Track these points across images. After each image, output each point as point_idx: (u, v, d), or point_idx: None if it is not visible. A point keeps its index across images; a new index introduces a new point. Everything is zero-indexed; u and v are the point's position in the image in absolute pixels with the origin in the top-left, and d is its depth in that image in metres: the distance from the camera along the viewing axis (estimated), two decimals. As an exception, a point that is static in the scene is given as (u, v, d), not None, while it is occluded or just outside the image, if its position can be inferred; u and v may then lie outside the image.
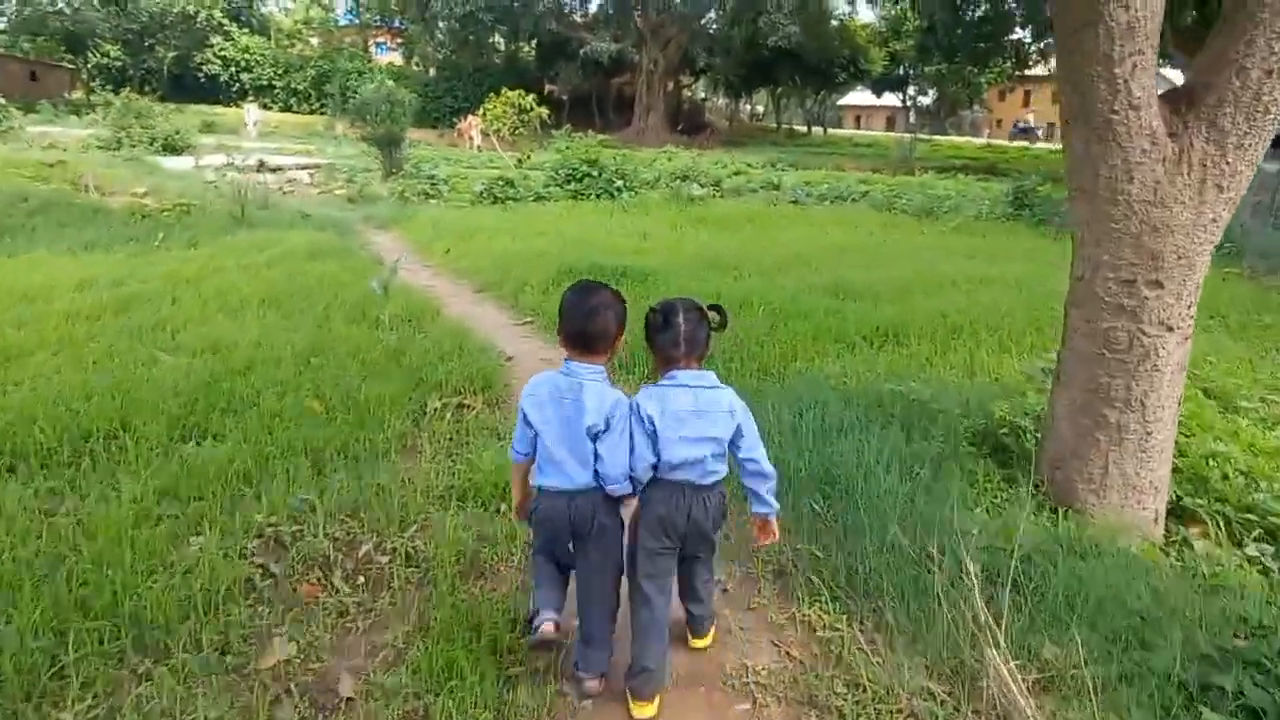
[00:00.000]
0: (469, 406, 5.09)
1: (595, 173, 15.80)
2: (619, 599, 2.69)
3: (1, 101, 22.72)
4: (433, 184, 15.87)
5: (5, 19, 45.99)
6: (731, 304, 7.67)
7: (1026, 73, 44.24)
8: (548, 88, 54.44)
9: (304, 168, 19.26)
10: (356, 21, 61.14)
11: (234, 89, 52.60)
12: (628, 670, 2.62)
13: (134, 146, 21.93)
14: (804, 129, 65.22)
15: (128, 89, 46.36)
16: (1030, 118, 65.63)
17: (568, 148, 17.24)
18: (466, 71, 51.02)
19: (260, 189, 12.59)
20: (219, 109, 45.24)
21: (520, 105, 33.75)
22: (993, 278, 9.14)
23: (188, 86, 52.82)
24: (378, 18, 59.75)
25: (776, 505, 2.64)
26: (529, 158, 21.38)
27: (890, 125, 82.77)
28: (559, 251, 9.90)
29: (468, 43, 50.71)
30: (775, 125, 65.17)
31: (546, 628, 2.53)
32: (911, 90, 64.07)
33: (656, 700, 2.60)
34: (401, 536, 3.50)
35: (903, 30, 47.94)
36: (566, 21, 50.12)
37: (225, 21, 52.78)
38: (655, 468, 2.51)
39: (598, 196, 15.15)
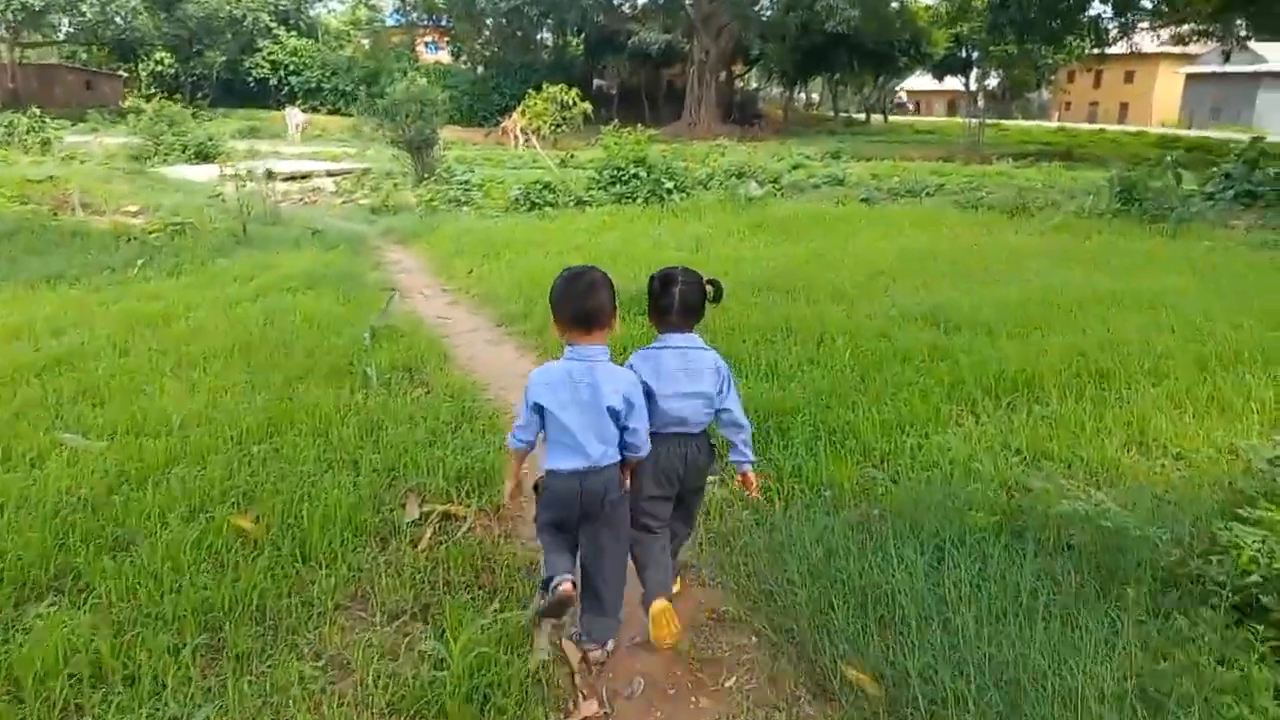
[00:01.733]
0: (457, 518, 3.71)
1: (642, 173, 14.34)
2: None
3: (36, 112, 22.13)
4: (465, 190, 14.58)
5: (63, 31, 46.30)
6: (806, 338, 6.19)
7: (1108, 51, 41.41)
8: (595, 82, 53.22)
9: (332, 174, 18.19)
10: (404, 21, 60.57)
11: (282, 92, 52.32)
12: (643, 597, 2.83)
13: (166, 155, 21.21)
14: (862, 116, 62.83)
15: (178, 95, 46.60)
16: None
17: (615, 144, 15.78)
18: (513, 68, 49.92)
19: (269, 201, 11.42)
20: (265, 113, 44.88)
21: (562, 100, 31.75)
22: (1125, 296, 7.45)
23: (237, 91, 52.79)
24: (425, 17, 59.13)
25: (753, 456, 2.95)
26: (572, 156, 20.03)
27: (952, 110, 79.67)
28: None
29: (514, 38, 49.78)
30: (832, 113, 62.89)
31: (565, 587, 2.63)
32: (975, 73, 61.14)
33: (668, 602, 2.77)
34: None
35: (970, 9, 45.39)
36: (615, 14, 48.71)
37: (273, 25, 52.51)
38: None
39: (645, 200, 13.68)
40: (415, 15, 59.28)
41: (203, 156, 21.35)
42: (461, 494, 3.87)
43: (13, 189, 9.96)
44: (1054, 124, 59.27)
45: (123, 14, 39.95)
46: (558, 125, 30.97)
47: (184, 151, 21.39)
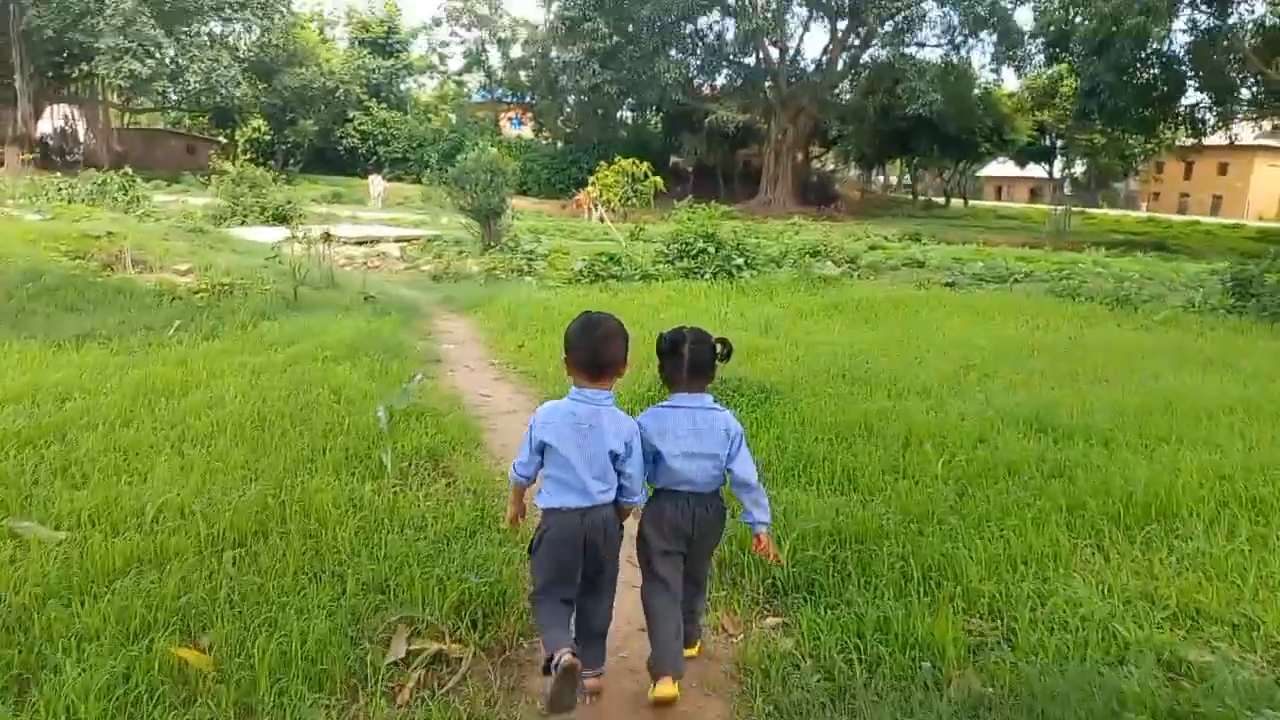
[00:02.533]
0: (452, 659, 2.98)
1: (711, 248, 13.77)
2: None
3: (127, 171, 22.89)
4: (529, 259, 14.21)
5: (170, 97, 48.93)
6: (889, 441, 5.36)
7: (1204, 142, 39.92)
8: (672, 159, 53.63)
9: (401, 240, 18.11)
10: (489, 97, 62.55)
11: (370, 161, 54.07)
12: (650, 658, 2.83)
13: (245, 216, 21.60)
14: (941, 200, 61.92)
15: (271, 162, 48.52)
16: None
17: (688, 218, 15.31)
18: (592, 143, 50.64)
19: (326, 264, 11.13)
20: (352, 180, 46.29)
21: (633, 173, 31.47)
22: (1261, 405, 6.43)
23: (328, 159, 54.82)
24: (509, 93, 60.96)
25: (768, 518, 2.90)
26: (642, 230, 19.69)
27: (1034, 197, 78.18)
28: (647, 359, 7.85)
29: (594, 115, 50.68)
30: (910, 196, 62.11)
31: (566, 658, 2.50)
32: (1059, 161, 59.86)
33: (677, 683, 2.78)
34: None
35: (1057, 96, 44.51)
36: (693, 93, 49.22)
37: (365, 97, 54.62)
38: (652, 479, 2.83)
39: (714, 275, 13.06)
40: (500, 91, 61.30)
41: (280, 219, 21.65)
42: (462, 627, 3.14)
43: (69, 243, 9.87)
44: (1143, 213, 57.39)
45: (224, 84, 41.94)
46: (628, 199, 30.65)
47: (262, 214, 21.74)
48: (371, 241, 17.50)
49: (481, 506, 4.19)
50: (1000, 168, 76.82)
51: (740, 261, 13.37)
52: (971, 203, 65.90)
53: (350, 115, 54.15)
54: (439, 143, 54.22)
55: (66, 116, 48.92)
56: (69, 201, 20.10)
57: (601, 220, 26.99)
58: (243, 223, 21.38)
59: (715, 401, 2.88)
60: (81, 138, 48.35)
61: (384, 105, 56.23)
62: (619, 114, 54.61)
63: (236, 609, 3.05)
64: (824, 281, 12.80)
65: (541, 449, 2.69)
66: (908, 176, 67.83)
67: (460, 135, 54.18)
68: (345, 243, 17.03)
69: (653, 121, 56.31)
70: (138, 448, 4.64)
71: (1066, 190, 47.51)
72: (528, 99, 59.48)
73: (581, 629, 2.81)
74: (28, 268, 8.28)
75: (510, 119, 64.96)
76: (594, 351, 2.68)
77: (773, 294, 12.03)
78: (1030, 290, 13.70)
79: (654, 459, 2.79)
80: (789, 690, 2.84)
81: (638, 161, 31.41)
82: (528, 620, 3.14)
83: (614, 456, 2.68)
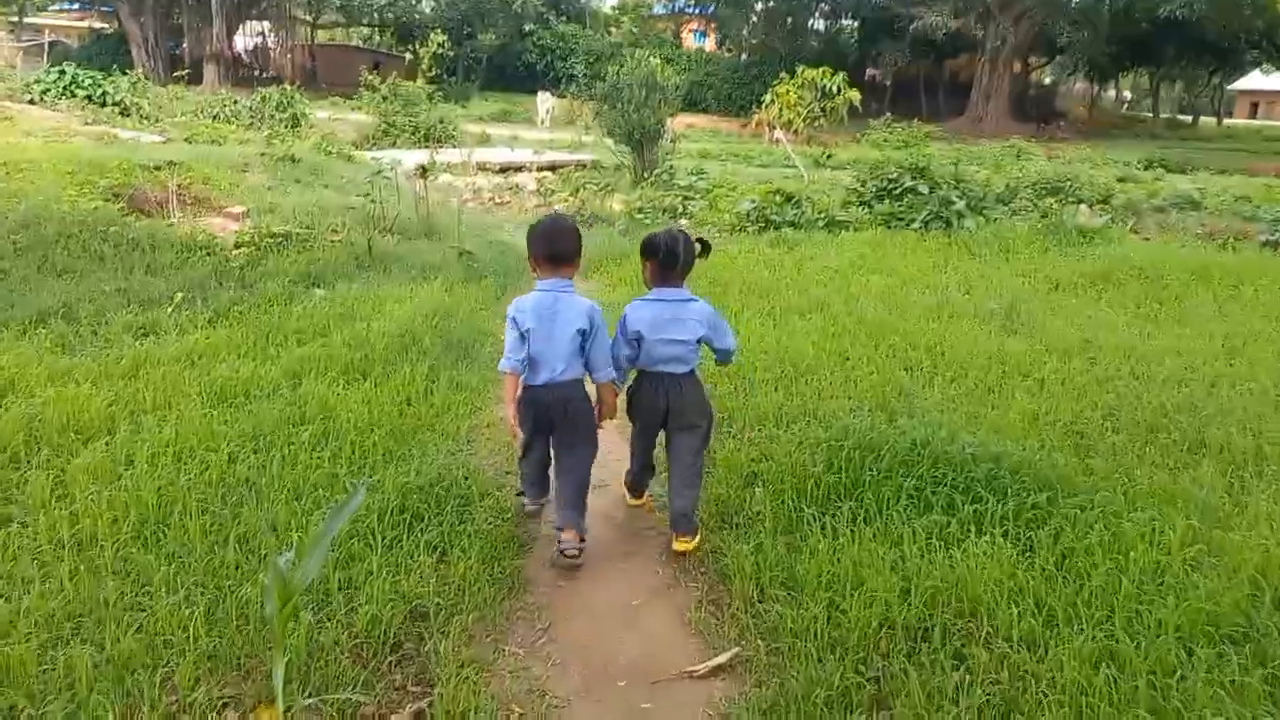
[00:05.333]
0: None
1: (923, 186, 10.57)
2: (590, 474, 3.35)
3: (286, 88, 21.89)
4: (685, 197, 11.49)
5: (345, 12, 48.94)
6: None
7: None
8: (869, 72, 48.47)
9: (547, 167, 15.81)
10: (671, 9, 59.10)
11: (547, 77, 52.31)
12: (670, 515, 3.37)
13: (397, 137, 20.13)
14: (1187, 119, 53.03)
15: (453, 78, 47.70)
16: None
17: (884, 140, 12.04)
18: (779, 56, 46.30)
19: (423, 205, 8.94)
20: (526, 98, 44.75)
21: (822, 86, 24.77)
22: None
23: (507, 75, 53.45)
24: (691, 3, 57.22)
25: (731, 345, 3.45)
26: (829, 156, 16.33)
27: (1299, 115, 65.78)
28: (840, 358, 5.16)
29: (782, 24, 46.33)
30: (1149, 113, 53.49)
31: (531, 508, 3.52)
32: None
33: (696, 538, 3.32)
34: None
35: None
36: (897, -5, 43.62)
37: (544, 10, 52.63)
38: (634, 360, 3.31)
39: (925, 224, 9.92)
40: (683, 1, 57.67)
41: (430, 140, 20.00)
42: None
43: (116, 176, 8.12)
44: None
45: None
46: (814, 117, 25.66)
47: (414, 134, 20.17)
48: (513, 169, 15.35)
49: None
50: (1260, 79, 64.99)
51: (961, 205, 10.09)
52: (1226, 122, 56.21)
53: (529, 29, 52.39)
54: (616, 57, 51.62)
55: (260, 33, 50.05)
56: (215, 119, 19.19)
57: (778, 143, 23.11)
58: (394, 144, 19.90)
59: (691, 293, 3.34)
60: (273, 54, 49.41)
61: (563, 18, 54.10)
62: (809, 22, 49.82)
63: None
64: (1081, 236, 9.38)
65: (523, 335, 3.13)
66: (1132, 91, 58.59)
67: (639, 48, 51.29)
68: (486, 169, 14.97)
69: (848, 30, 51.03)
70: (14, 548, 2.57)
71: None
72: (711, 9, 55.48)
73: (560, 486, 3.31)
74: (31, 211, 6.58)
75: (693, 31, 61.40)
76: (552, 245, 3.21)
77: (1009, 253, 8.82)
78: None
79: (637, 343, 3.27)
80: None
81: (829, 71, 25.97)
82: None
83: (582, 334, 3.17)
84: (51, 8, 50.99)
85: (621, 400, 3.41)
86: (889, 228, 10.07)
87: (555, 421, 3.21)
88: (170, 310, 5.32)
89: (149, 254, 6.38)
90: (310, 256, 6.90)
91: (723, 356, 3.45)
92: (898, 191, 10.69)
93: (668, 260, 3.23)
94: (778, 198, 10.71)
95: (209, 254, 6.60)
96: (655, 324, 3.22)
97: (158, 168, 8.43)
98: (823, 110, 24.18)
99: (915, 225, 9.93)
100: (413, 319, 5.54)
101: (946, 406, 4.49)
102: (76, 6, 50.55)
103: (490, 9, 49.32)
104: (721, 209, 11.05)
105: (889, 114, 36.02)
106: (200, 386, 4.18)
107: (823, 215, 10.41)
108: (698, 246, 3.33)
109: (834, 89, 24.08)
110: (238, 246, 6.66)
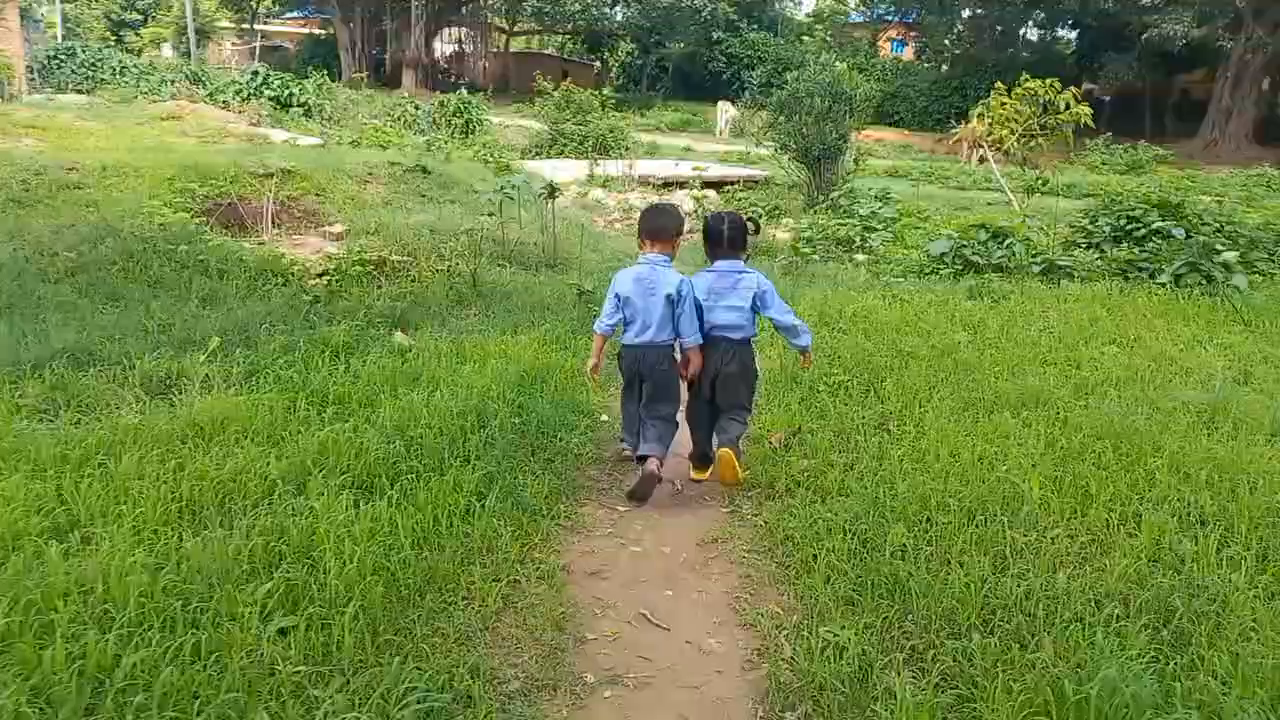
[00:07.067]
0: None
1: (1175, 231, 8.35)
2: (677, 424, 4.05)
3: (464, 93, 21.75)
4: (865, 228, 9.71)
5: (539, 19, 49.66)
6: None
7: None
8: (1085, 85, 43.91)
9: (713, 183, 14.39)
10: (870, 16, 56.25)
11: (732, 87, 50.96)
12: (690, 453, 4.20)
13: (564, 146, 19.40)
14: None
15: (640, 86, 47.34)
16: None
17: (1102, 163, 9.83)
18: (986, 65, 42.66)
19: (552, 227, 7.73)
20: (707, 107, 43.63)
21: (1045, 101, 21.96)
22: None
23: (693, 84, 52.50)
24: (891, 10, 54.13)
25: (808, 342, 4.18)
26: (1044, 183, 13.96)
27: None
28: (1079, 498, 3.47)
29: (990, 31, 42.66)
30: None
31: (654, 466, 3.87)
32: None
33: (709, 470, 4.08)
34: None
35: None
36: (1128, 1, 39.03)
37: (735, 17, 51.30)
38: (701, 328, 3.94)
39: (1176, 278, 7.74)
40: (881, 9, 54.73)
41: (600, 150, 19.12)
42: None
43: (218, 184, 7.41)
44: None
45: (597, 5, 41.05)
46: (1030, 137, 22.39)
47: (581, 144, 19.36)
48: (676, 185, 14.06)
49: None
50: None
51: (1228, 256, 7.82)
52: None
53: (717, 37, 51.19)
54: (803, 66, 49.51)
55: (458, 39, 51.73)
56: (396, 122, 19.14)
57: (982, 162, 20.42)
58: (560, 153, 19.17)
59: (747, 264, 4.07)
60: (468, 61, 50.91)
61: (754, 26, 52.54)
62: (1022, 30, 45.78)
63: None
64: None
65: (619, 304, 3.91)
66: None
67: (833, 58, 48.91)
68: (648, 184, 13.76)
69: (1064, 39, 46.54)
70: None
71: None
72: (912, 16, 52.17)
73: (645, 428, 3.94)
74: (102, 224, 5.88)
75: (891, 40, 58.17)
76: (652, 220, 3.98)
77: (1297, 329, 6.57)
78: None
79: (700, 310, 3.92)
80: None
81: (1055, 85, 22.44)
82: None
83: (670, 300, 3.83)
84: (281, 16, 54.91)
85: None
86: (1126, 279, 7.96)
87: (644, 375, 3.92)
88: (203, 359, 4.34)
89: (214, 281, 5.54)
90: (403, 289, 5.86)
91: (786, 332, 4.07)
92: (1141, 233, 8.51)
93: (716, 238, 4.03)
94: (982, 233, 8.78)
95: (285, 283, 5.68)
96: (712, 291, 3.93)
97: (268, 175, 7.72)
98: (1042, 127, 20.98)
99: (1164, 278, 7.76)
100: (490, 388, 4.29)
101: (1257, 602, 2.72)
102: (300, 14, 54.18)
103: (680, 17, 48.48)
104: (909, 244, 9.22)
105: (1108, 134, 32.01)
106: (166, 489, 3.08)
107: (1039, 256, 8.40)
108: (750, 226, 4.12)
109: (1063, 105, 20.83)
110: (319, 275, 5.72)
